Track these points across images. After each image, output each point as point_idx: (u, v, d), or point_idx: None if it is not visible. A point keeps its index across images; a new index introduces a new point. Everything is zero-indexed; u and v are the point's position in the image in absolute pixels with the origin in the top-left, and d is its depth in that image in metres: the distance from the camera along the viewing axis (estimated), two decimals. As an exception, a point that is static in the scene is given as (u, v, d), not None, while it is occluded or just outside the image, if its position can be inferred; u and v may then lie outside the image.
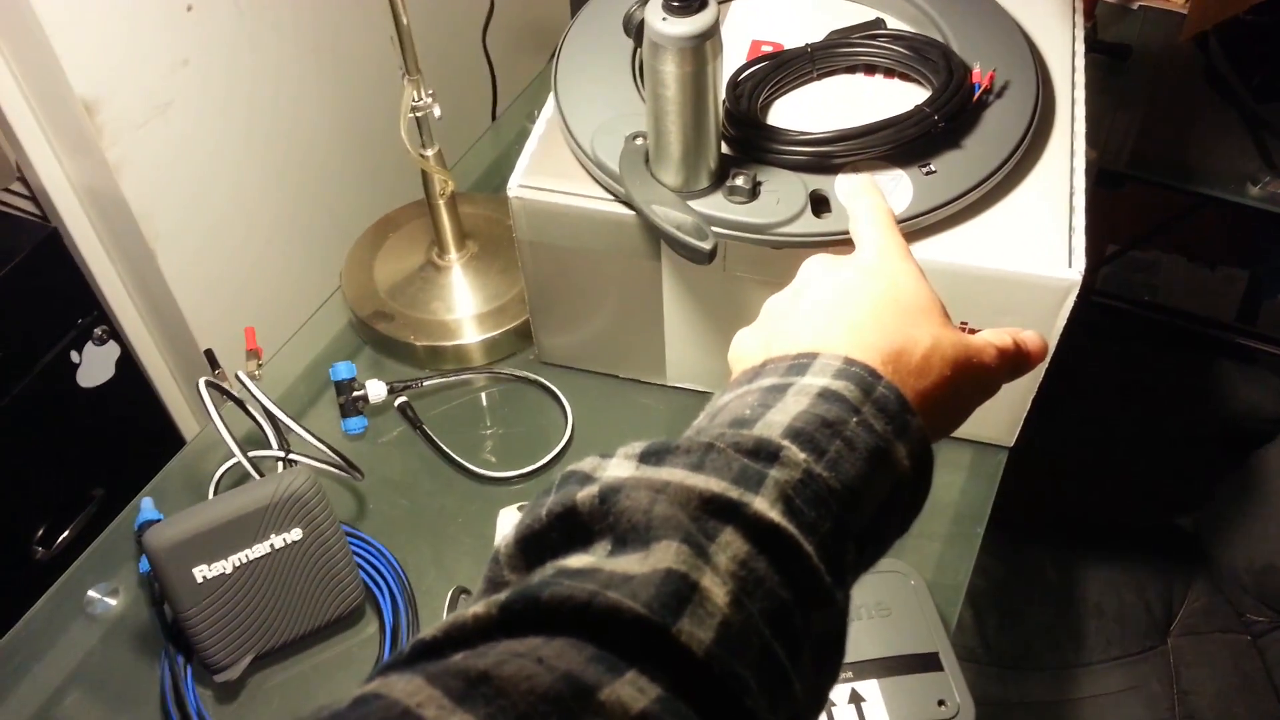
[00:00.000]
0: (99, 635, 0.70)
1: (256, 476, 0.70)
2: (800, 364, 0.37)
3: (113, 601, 0.71)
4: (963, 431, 0.78)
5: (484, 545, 0.73)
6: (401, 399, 0.82)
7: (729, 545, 0.29)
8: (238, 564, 0.62)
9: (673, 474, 0.31)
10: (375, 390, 0.80)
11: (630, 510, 0.29)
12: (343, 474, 0.73)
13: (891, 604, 0.63)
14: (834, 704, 0.58)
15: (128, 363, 1.20)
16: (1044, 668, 0.91)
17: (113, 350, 1.20)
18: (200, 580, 0.61)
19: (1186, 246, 1.62)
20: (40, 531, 1.18)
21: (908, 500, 0.37)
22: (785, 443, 0.32)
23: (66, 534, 1.17)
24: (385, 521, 0.75)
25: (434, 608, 0.69)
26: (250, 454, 0.72)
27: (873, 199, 0.49)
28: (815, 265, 0.45)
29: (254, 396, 0.74)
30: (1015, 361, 0.45)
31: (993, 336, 0.44)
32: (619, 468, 0.32)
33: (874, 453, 0.34)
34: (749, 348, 0.42)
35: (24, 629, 0.70)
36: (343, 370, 0.79)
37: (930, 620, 0.63)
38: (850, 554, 0.33)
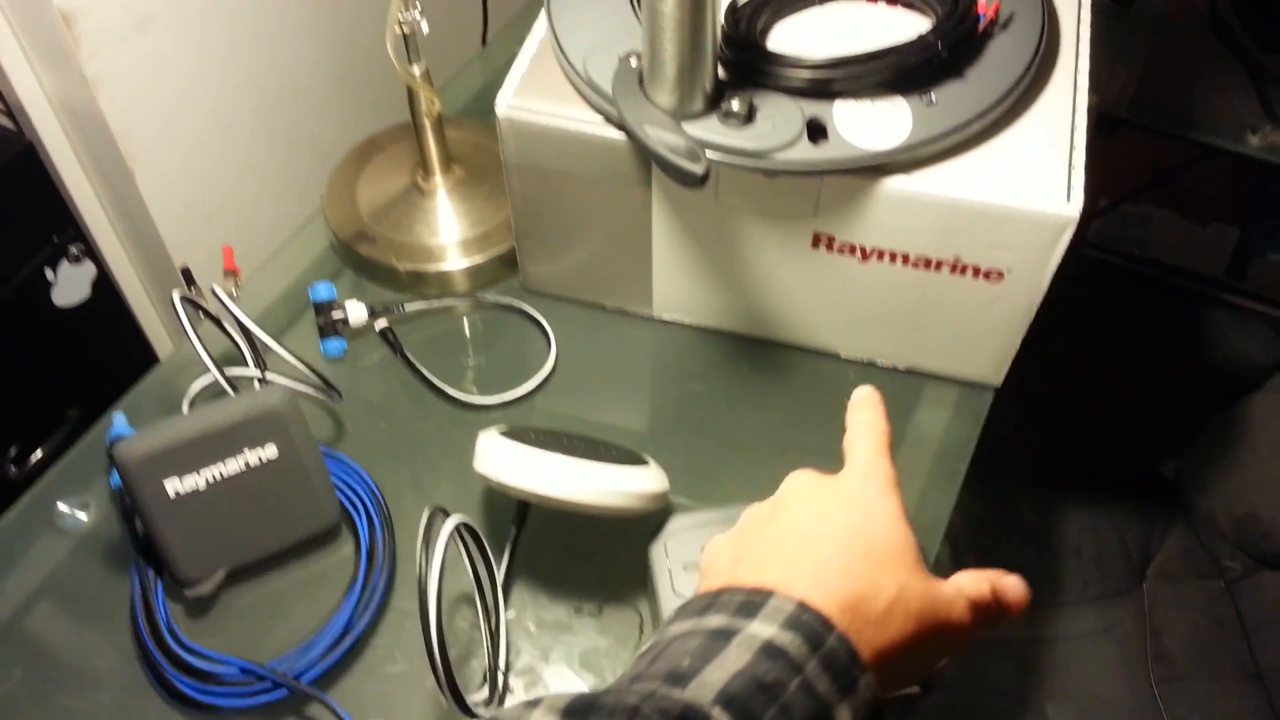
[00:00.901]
0: (69, 549, 0.69)
1: (232, 394, 0.69)
2: (753, 603, 0.36)
3: (83, 515, 0.70)
4: (950, 370, 0.78)
5: (463, 470, 0.72)
6: (382, 323, 0.80)
7: None
8: (210, 479, 0.61)
9: None
10: (355, 312, 0.78)
11: None
12: (320, 395, 0.72)
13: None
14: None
15: (104, 283, 1.18)
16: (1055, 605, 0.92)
17: (89, 270, 1.17)
18: (172, 494, 0.60)
19: (1179, 202, 1.61)
20: (13, 451, 1.16)
21: None
22: (715, 712, 0.31)
23: (39, 454, 1.15)
24: (363, 444, 0.74)
25: (411, 529, 0.68)
26: (226, 372, 0.71)
27: (873, 416, 0.49)
28: (799, 482, 0.44)
29: (230, 314, 0.72)
30: (991, 616, 0.42)
31: (968, 585, 0.42)
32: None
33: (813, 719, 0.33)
34: (720, 560, 0.42)
35: (-7, 540, 0.69)
36: (322, 291, 0.78)
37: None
38: None
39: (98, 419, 0.76)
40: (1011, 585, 0.43)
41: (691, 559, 0.62)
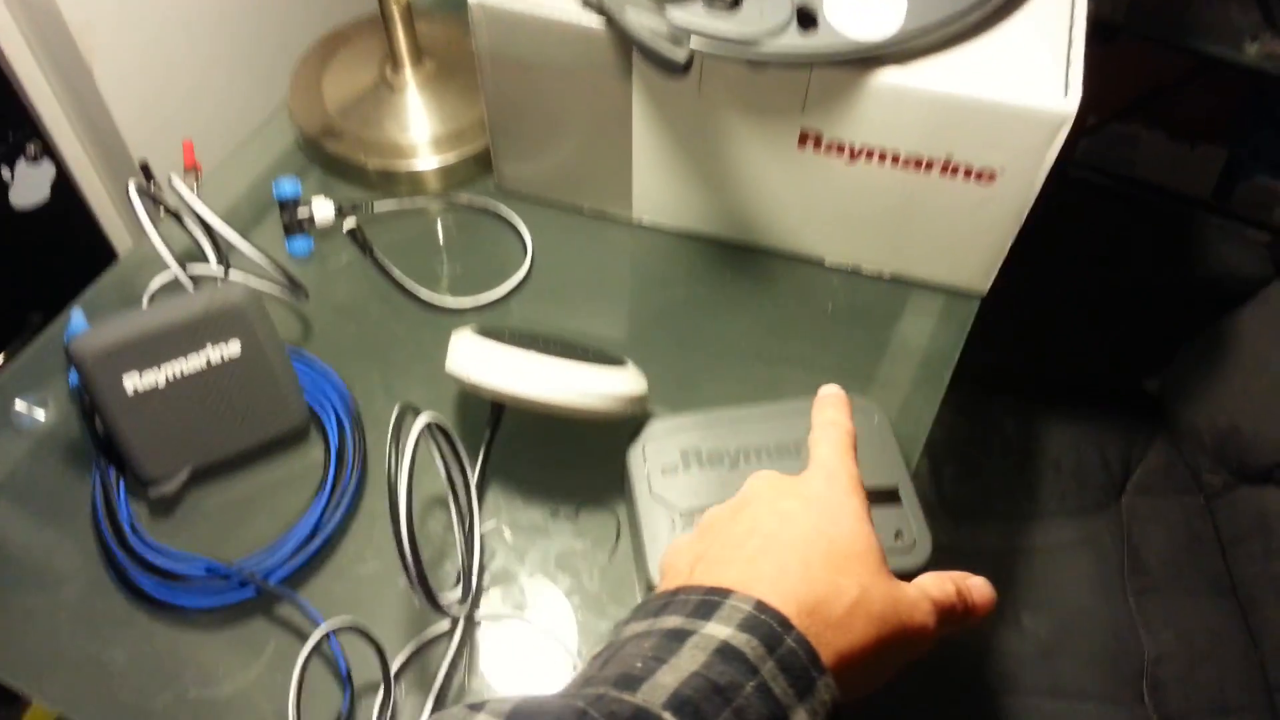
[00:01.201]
0: (26, 448, 0.66)
1: (191, 290, 0.66)
2: (709, 603, 0.35)
3: (40, 414, 0.68)
4: (936, 277, 0.76)
5: (435, 372, 0.70)
6: (351, 222, 0.77)
7: None
8: (171, 376, 0.59)
9: None
10: (322, 210, 0.75)
11: None
12: (286, 294, 0.69)
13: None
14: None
15: (63, 184, 1.13)
16: (999, 517, 0.92)
17: (47, 170, 1.13)
18: (130, 391, 0.58)
19: (1168, 122, 1.59)
20: (-26, 358, 1.13)
21: None
22: (666, 716, 0.30)
23: (0, 358, 1.12)
24: (332, 346, 0.72)
25: (382, 433, 0.66)
26: (187, 270, 0.68)
27: (838, 415, 0.47)
28: (761, 483, 0.43)
29: (190, 208, 0.69)
30: (956, 617, 0.41)
31: (932, 587, 0.41)
32: None
33: None
34: (679, 561, 0.41)
35: (-53, 439, 0.67)
36: (286, 186, 0.74)
37: (891, 455, 0.62)
38: None
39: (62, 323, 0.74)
40: (977, 586, 0.42)
41: (670, 463, 0.61)
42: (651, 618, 0.36)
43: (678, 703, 0.31)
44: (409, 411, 0.55)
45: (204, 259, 0.70)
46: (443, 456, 0.61)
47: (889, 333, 0.74)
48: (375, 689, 0.55)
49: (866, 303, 0.76)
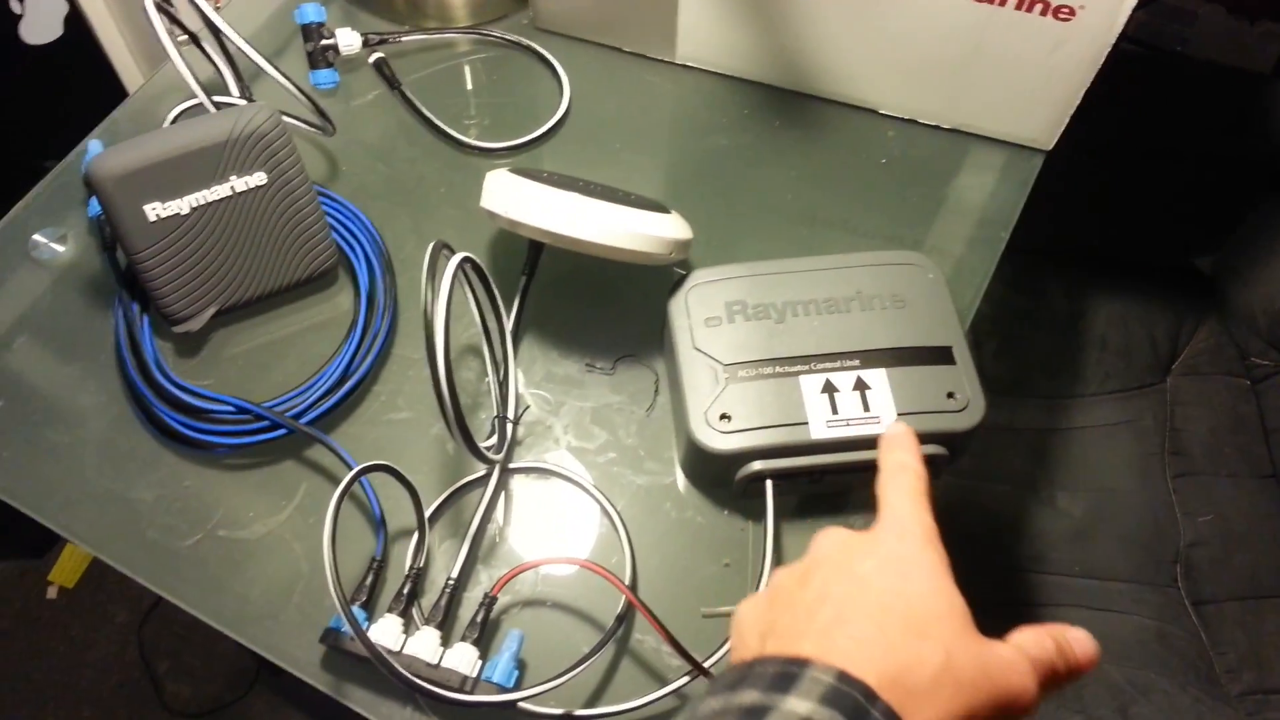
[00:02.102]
0: (47, 282, 0.64)
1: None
2: (788, 674, 0.32)
3: (60, 248, 0.65)
4: (999, 130, 0.71)
5: (467, 217, 0.67)
6: (378, 54, 0.73)
7: None
8: (194, 204, 0.56)
9: None
10: (347, 40, 0.71)
11: None
12: (313, 126, 0.66)
13: (906, 296, 0.59)
14: (837, 390, 0.55)
15: (76, 20, 1.08)
16: (1038, 395, 0.89)
17: (60, 6, 1.08)
18: (153, 219, 0.55)
19: (1226, -5, 1.49)
20: (-10, 203, 1.11)
21: None
22: None
23: (16, 208, 1.09)
24: (359, 186, 0.69)
25: (412, 276, 0.64)
26: (192, 104, 0.64)
27: (907, 458, 0.43)
28: (829, 543, 0.39)
29: (212, 27, 0.64)
30: (1058, 677, 0.36)
31: (1030, 644, 0.36)
32: None
33: None
34: (748, 630, 0.39)
35: (-36, 270, 0.64)
36: (310, 12, 0.69)
37: (945, 314, 0.58)
38: None
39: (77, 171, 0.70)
40: (1078, 640, 0.38)
41: (714, 315, 0.58)
42: (727, 692, 0.33)
43: None
44: (443, 249, 0.52)
45: (225, 89, 0.66)
46: (477, 300, 0.58)
47: (945, 189, 0.70)
48: (408, 533, 0.54)
49: (923, 156, 0.71)
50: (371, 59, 0.72)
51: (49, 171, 1.13)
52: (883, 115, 0.73)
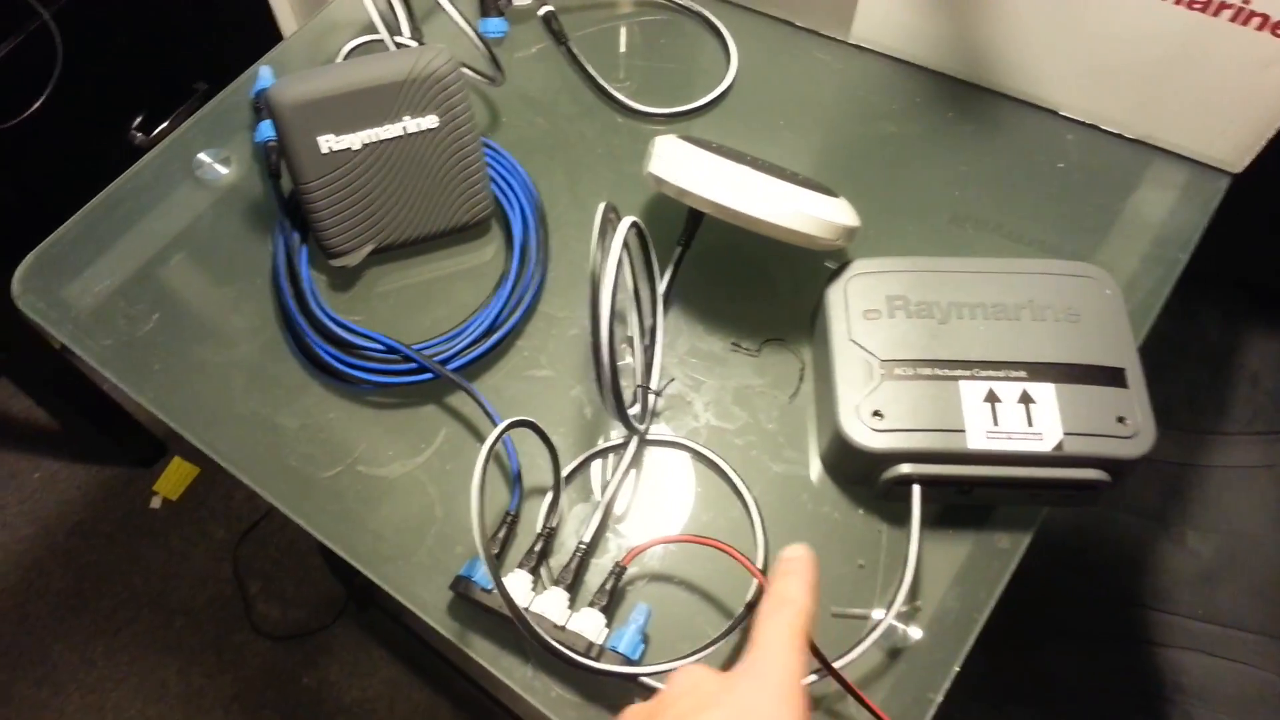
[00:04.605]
0: (209, 202, 0.65)
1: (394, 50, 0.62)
2: None
3: (223, 169, 0.66)
4: (1186, 145, 0.67)
5: (625, 181, 0.66)
6: (548, 7, 0.72)
7: None
8: (366, 140, 0.56)
9: None
10: (522, -11, 0.70)
11: None
12: (482, 74, 0.65)
13: (1081, 310, 0.56)
14: (1000, 400, 0.53)
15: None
16: (1178, 427, 0.85)
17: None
18: (325, 150, 0.55)
19: None
20: (139, 119, 1.14)
21: None
22: None
23: (166, 124, 1.12)
24: (519, 139, 0.68)
25: (564, 235, 0.63)
26: (367, 39, 0.64)
27: (797, 593, 0.40)
28: (680, 688, 0.37)
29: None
30: None
31: None
32: None
33: None
34: None
35: (131, 180, 0.66)
36: (488, -43, 0.69)
37: (1120, 334, 0.55)
38: None
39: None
40: None
41: (873, 307, 0.56)
42: None
43: None
44: (612, 211, 0.51)
45: (395, 28, 0.66)
46: (633, 267, 0.57)
47: (1122, 202, 0.67)
48: (540, 491, 0.54)
49: (1101, 165, 0.68)
50: (541, 11, 0.71)
51: (198, 92, 1.15)
52: (1063, 117, 0.69)
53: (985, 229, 0.65)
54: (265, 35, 1.22)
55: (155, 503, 1.42)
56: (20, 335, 1.13)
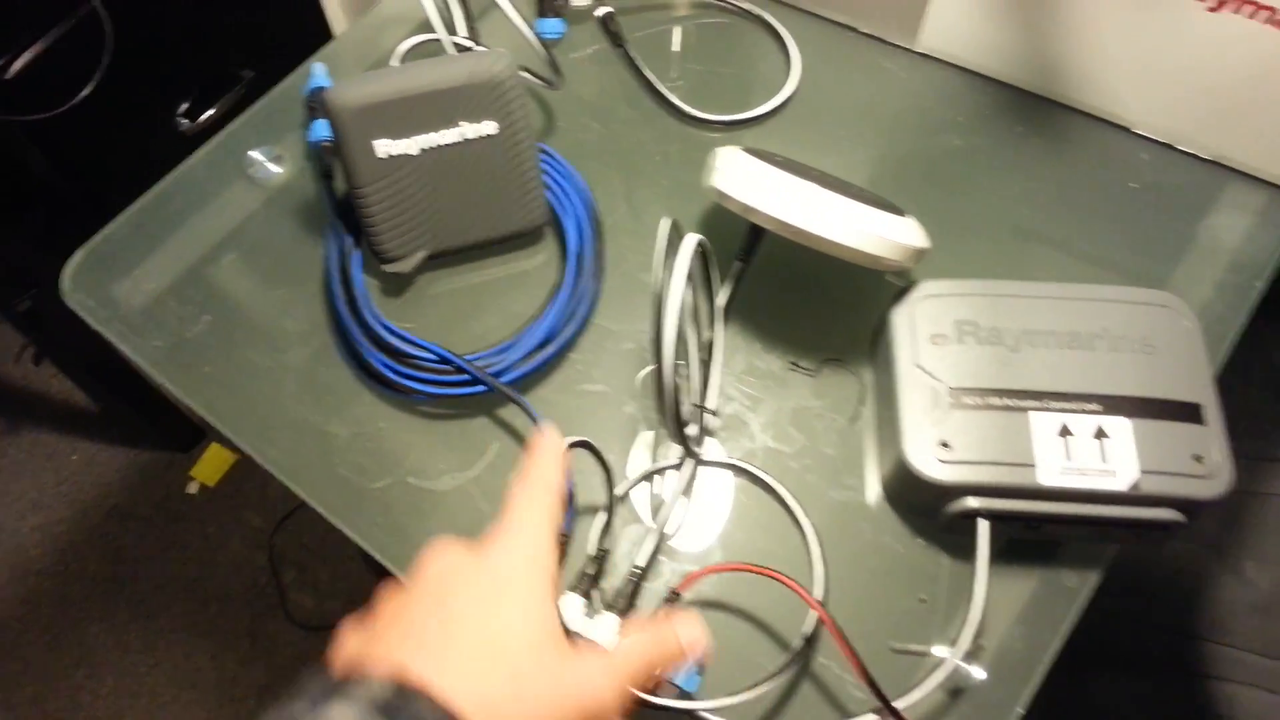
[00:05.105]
0: (260, 200, 0.64)
1: (452, 53, 0.61)
2: (339, 687, 0.32)
3: (276, 168, 0.65)
4: (1264, 168, 0.65)
5: (683, 190, 0.64)
6: (606, 8, 0.70)
7: None
8: (424, 145, 0.54)
9: None
10: (581, -10, 0.68)
11: None
12: (539, 80, 0.63)
13: (1156, 341, 0.54)
14: (1073, 434, 0.51)
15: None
16: (1241, 454, 0.82)
17: (273, -82, 1.08)
18: (382, 155, 0.54)
19: None
20: (185, 105, 1.13)
21: None
22: None
23: (213, 111, 1.12)
24: (575, 144, 0.66)
25: (620, 245, 0.62)
26: (426, 40, 0.63)
27: (549, 473, 0.43)
28: (434, 571, 0.39)
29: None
30: (664, 665, 0.40)
31: (621, 652, 0.39)
32: None
33: None
34: (348, 640, 0.39)
35: (183, 177, 0.65)
36: (549, -43, 0.67)
37: (1198, 367, 0.53)
38: None
39: (273, 82, 0.70)
40: (685, 633, 0.41)
41: (941, 332, 0.54)
42: (276, 711, 0.33)
43: None
44: (672, 227, 0.49)
45: (450, 27, 0.65)
46: (693, 281, 0.55)
47: (1196, 225, 0.64)
48: (592, 511, 0.53)
49: (1175, 185, 0.65)
50: (599, 12, 0.70)
51: (244, 79, 1.15)
52: (1137, 135, 0.67)
53: (1053, 248, 0.63)
54: (312, 22, 1.21)
55: (192, 488, 1.42)
56: (60, 317, 1.13)
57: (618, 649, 0.40)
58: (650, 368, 0.58)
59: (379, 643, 0.37)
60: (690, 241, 0.48)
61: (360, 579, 1.30)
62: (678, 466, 0.54)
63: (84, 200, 1.17)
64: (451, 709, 0.32)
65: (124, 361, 0.60)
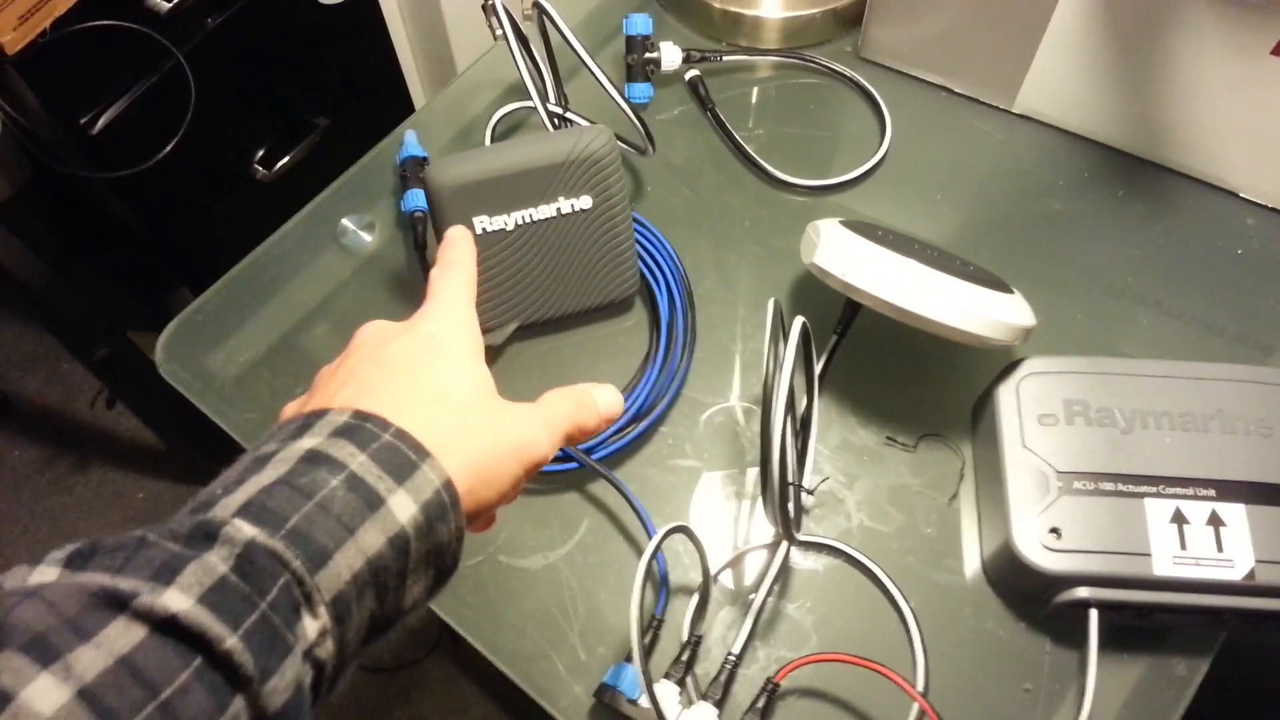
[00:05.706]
0: (352, 269, 0.64)
1: (550, 128, 0.61)
2: (304, 424, 0.34)
3: (368, 236, 0.65)
4: None
5: (773, 257, 0.63)
6: (694, 72, 0.70)
7: (108, 640, 0.26)
8: (520, 221, 0.54)
9: (91, 579, 0.27)
10: (670, 56, 0.68)
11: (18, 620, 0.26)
12: (631, 148, 0.63)
13: (1273, 422, 0.52)
14: (1188, 521, 0.49)
15: (369, -11, 1.11)
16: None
17: (355, -28, 1.10)
18: (479, 231, 0.54)
19: None
20: (260, 153, 1.15)
21: (432, 552, 0.33)
22: (233, 520, 0.30)
23: (286, 160, 1.13)
24: (664, 210, 0.66)
25: (709, 313, 0.61)
26: (514, 107, 0.63)
27: (463, 256, 0.46)
28: (365, 335, 0.41)
29: (550, 21, 0.62)
30: (583, 428, 0.42)
31: (549, 402, 0.42)
32: (42, 575, 0.28)
33: (356, 512, 0.31)
34: (288, 407, 0.39)
35: (276, 245, 0.65)
36: (639, 24, 0.67)
37: (1324, 453, 0.51)
38: (318, 620, 0.30)
39: (346, 131, 0.71)
40: (602, 395, 0.43)
41: (1049, 412, 0.52)
42: (249, 454, 0.34)
43: (247, 508, 0.30)
44: (780, 310, 0.48)
45: (543, 94, 0.65)
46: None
47: (1302, 296, 0.62)
48: (685, 591, 0.52)
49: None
50: (688, 76, 0.69)
51: (319, 127, 1.16)
52: (1243, 199, 0.64)
53: (1158, 315, 0.61)
54: (385, 71, 1.22)
55: (258, 525, 1.44)
56: (128, 355, 1.15)
57: (546, 401, 0.42)
58: (754, 467, 0.57)
59: (327, 393, 0.37)
60: (796, 330, 0.47)
61: (422, 620, 1.30)
62: (773, 546, 0.53)
63: (162, 249, 1.19)
64: (405, 431, 0.34)
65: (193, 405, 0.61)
